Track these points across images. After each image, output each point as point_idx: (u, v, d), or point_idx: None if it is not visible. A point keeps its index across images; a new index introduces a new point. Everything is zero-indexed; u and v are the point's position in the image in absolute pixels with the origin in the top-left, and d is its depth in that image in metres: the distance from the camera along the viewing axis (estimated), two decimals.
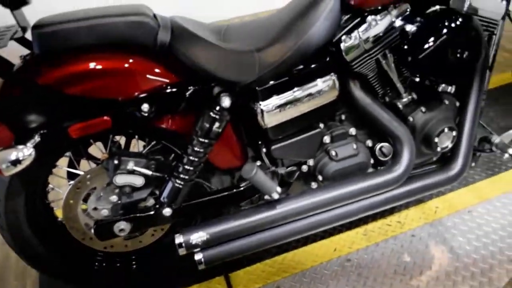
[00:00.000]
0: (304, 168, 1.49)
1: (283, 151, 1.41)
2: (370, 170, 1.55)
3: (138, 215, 1.38)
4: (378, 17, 1.36)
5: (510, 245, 1.72)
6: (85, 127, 1.22)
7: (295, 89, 1.34)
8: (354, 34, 1.35)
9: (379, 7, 1.36)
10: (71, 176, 1.53)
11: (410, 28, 1.35)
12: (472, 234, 1.76)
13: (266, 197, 1.41)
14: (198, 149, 1.28)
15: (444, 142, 1.53)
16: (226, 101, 1.24)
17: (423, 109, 1.50)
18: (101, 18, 1.19)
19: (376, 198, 1.54)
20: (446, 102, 1.53)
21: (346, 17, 1.38)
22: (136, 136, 1.43)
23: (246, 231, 1.40)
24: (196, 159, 1.30)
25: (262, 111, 1.32)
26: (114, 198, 1.40)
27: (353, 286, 1.60)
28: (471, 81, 1.55)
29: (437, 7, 1.38)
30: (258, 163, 1.45)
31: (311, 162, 1.49)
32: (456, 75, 1.44)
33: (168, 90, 1.25)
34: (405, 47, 1.36)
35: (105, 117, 1.23)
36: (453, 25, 1.34)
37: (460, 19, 1.35)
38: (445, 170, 1.60)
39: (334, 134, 1.47)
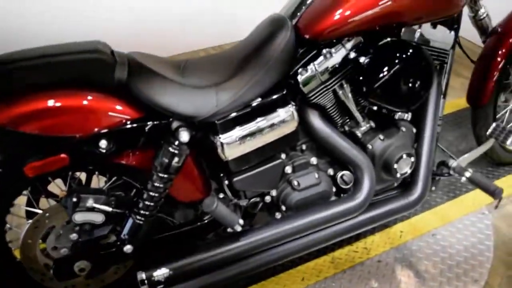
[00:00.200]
0: (267, 198, 1.49)
1: (245, 182, 1.42)
2: (333, 198, 1.56)
3: (98, 253, 1.35)
4: (333, 49, 1.40)
5: (474, 267, 1.75)
6: (41, 165, 1.20)
7: (254, 121, 1.35)
8: (310, 66, 1.39)
9: (334, 40, 1.41)
10: (30, 215, 1.48)
11: (364, 59, 1.40)
12: (437, 257, 1.79)
13: (230, 229, 1.40)
14: (157, 185, 1.27)
15: (403, 168, 1.57)
16: (184, 136, 1.24)
17: (381, 136, 1.54)
18: (57, 56, 1.19)
19: (340, 226, 1.56)
20: (403, 129, 1.58)
21: (302, 50, 1.41)
22: (96, 172, 1.42)
23: (210, 266, 1.39)
24: (156, 195, 1.29)
25: (222, 144, 1.33)
26: (74, 236, 1.36)
27: None
28: (426, 108, 1.60)
29: (389, 39, 1.44)
30: (221, 195, 1.45)
31: (274, 192, 1.49)
32: (410, 103, 1.48)
33: (126, 126, 1.25)
34: (360, 78, 1.40)
35: (62, 155, 1.22)
36: (404, 56, 1.40)
37: (410, 50, 1.41)
38: (406, 196, 1.63)
39: (295, 164, 1.48)
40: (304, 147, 1.52)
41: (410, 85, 1.42)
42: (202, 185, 1.40)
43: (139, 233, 1.34)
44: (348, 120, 1.54)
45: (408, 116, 1.60)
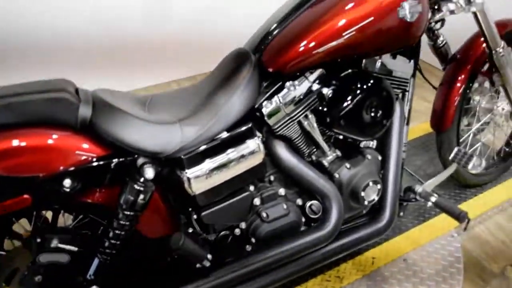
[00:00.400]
0: (237, 231, 1.49)
1: (214, 216, 1.41)
2: (303, 228, 1.57)
3: None
4: (296, 82, 1.43)
5: None
6: (2, 207, 1.18)
7: (221, 155, 1.36)
8: (275, 99, 1.42)
9: (297, 73, 1.44)
10: None
11: (327, 91, 1.43)
12: (409, 282, 1.81)
13: (199, 265, 1.39)
14: (123, 222, 1.26)
15: (370, 196, 1.59)
16: (149, 173, 1.24)
17: (348, 165, 1.57)
18: (21, 95, 1.18)
19: (311, 256, 1.56)
20: (369, 157, 1.61)
21: (267, 83, 1.44)
22: (62, 211, 1.39)
23: None
24: (122, 233, 1.28)
25: (188, 178, 1.32)
26: (38, 278, 1.33)
27: None
28: (390, 135, 1.64)
29: (350, 70, 1.48)
30: (190, 230, 1.44)
31: (243, 225, 1.49)
32: (372, 132, 1.52)
33: (92, 164, 1.24)
34: (323, 109, 1.44)
35: (25, 195, 1.19)
36: (365, 86, 1.44)
37: (371, 81, 1.45)
38: (374, 222, 1.65)
39: (264, 196, 1.49)
40: (272, 178, 1.53)
41: (372, 115, 1.46)
42: (169, 221, 1.39)
43: (106, 272, 1.31)
44: (314, 149, 1.56)
45: (373, 143, 1.63)
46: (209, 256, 1.34)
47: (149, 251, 1.45)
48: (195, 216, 1.41)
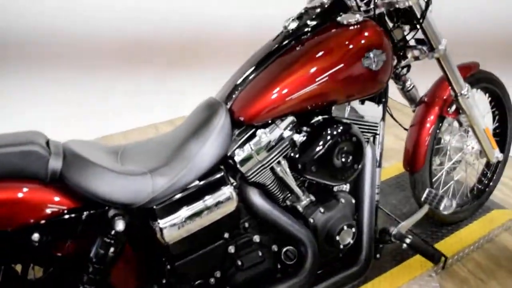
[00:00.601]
0: (212, 280, 1.47)
1: (188, 266, 1.40)
2: (279, 275, 1.56)
3: None
4: (268, 129, 1.45)
5: None
6: None
7: (193, 204, 1.36)
8: (247, 146, 1.44)
9: (269, 121, 1.47)
10: None
11: (297, 138, 1.46)
12: None
13: None
14: (93, 276, 1.24)
15: (346, 239, 1.60)
16: (120, 225, 1.23)
17: (322, 209, 1.58)
18: None
19: None
20: (343, 200, 1.62)
21: (238, 131, 1.47)
22: (32, 264, 1.36)
23: None
24: (93, 287, 1.25)
25: (161, 229, 1.32)
26: None
27: None
28: (363, 178, 1.67)
29: (320, 117, 1.52)
30: (163, 280, 1.41)
31: (218, 274, 1.48)
32: (344, 177, 1.54)
33: (62, 217, 1.23)
34: (295, 155, 1.46)
35: None
36: (335, 133, 1.47)
37: (341, 127, 1.48)
38: (351, 266, 1.66)
39: (238, 243, 1.48)
40: (246, 225, 1.53)
41: (343, 160, 1.49)
42: (142, 272, 1.37)
43: None
44: (288, 195, 1.57)
45: (346, 187, 1.66)
46: None
47: None
48: (168, 267, 1.40)
